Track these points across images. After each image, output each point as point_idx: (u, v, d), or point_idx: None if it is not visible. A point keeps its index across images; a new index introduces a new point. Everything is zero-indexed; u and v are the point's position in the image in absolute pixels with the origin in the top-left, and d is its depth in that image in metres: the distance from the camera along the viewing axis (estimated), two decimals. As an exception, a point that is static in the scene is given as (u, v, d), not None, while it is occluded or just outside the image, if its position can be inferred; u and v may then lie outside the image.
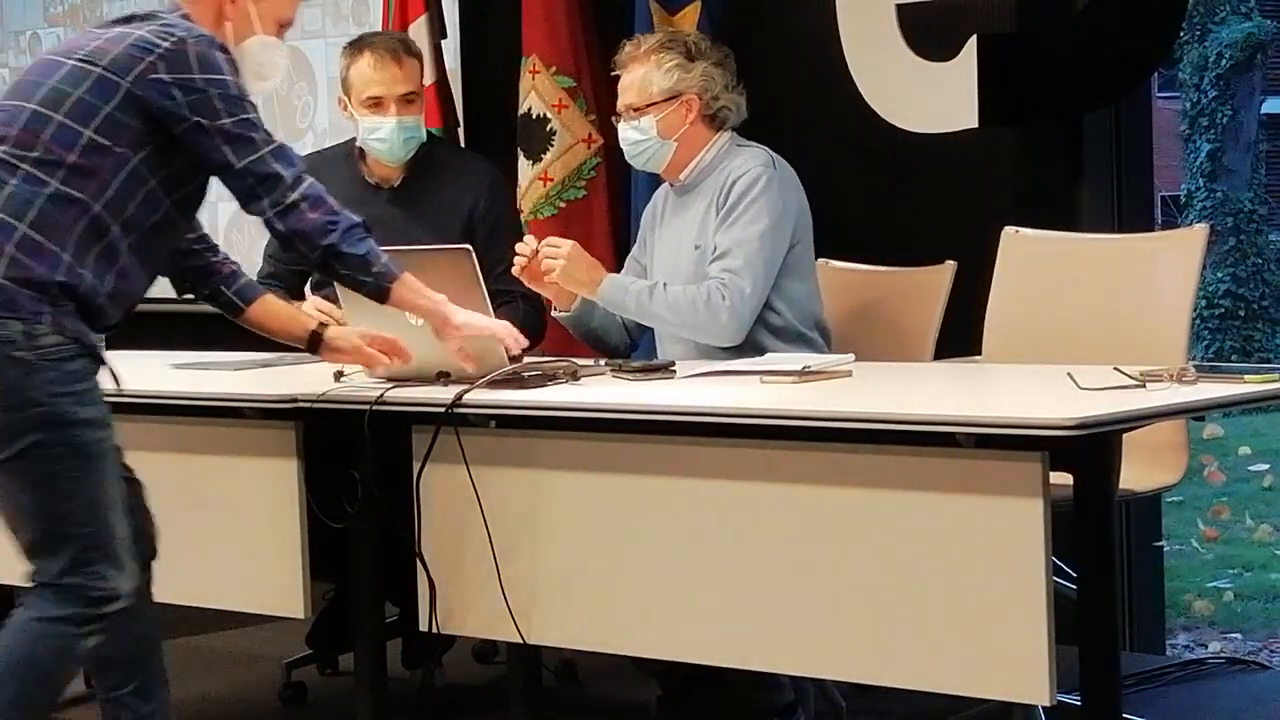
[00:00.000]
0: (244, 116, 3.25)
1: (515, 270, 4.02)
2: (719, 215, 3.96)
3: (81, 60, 3.26)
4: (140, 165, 3.24)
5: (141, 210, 3.25)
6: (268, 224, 3.29)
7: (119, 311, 3.27)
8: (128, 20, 3.33)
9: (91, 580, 3.20)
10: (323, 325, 3.62)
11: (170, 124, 3.23)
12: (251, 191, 3.26)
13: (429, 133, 4.63)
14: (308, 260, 3.35)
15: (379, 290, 3.37)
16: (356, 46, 4.37)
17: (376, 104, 4.31)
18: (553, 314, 4.18)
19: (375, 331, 3.56)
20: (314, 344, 3.59)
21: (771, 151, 4.05)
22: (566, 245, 3.99)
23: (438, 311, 3.45)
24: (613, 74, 4.17)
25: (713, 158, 4.06)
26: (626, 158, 4.15)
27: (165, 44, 3.23)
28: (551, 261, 3.96)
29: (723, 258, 3.92)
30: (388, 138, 4.31)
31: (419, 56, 4.43)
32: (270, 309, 3.62)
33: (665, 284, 3.96)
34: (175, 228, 3.36)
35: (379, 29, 5.30)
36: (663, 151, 4.05)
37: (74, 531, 3.19)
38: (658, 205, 4.22)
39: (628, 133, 4.07)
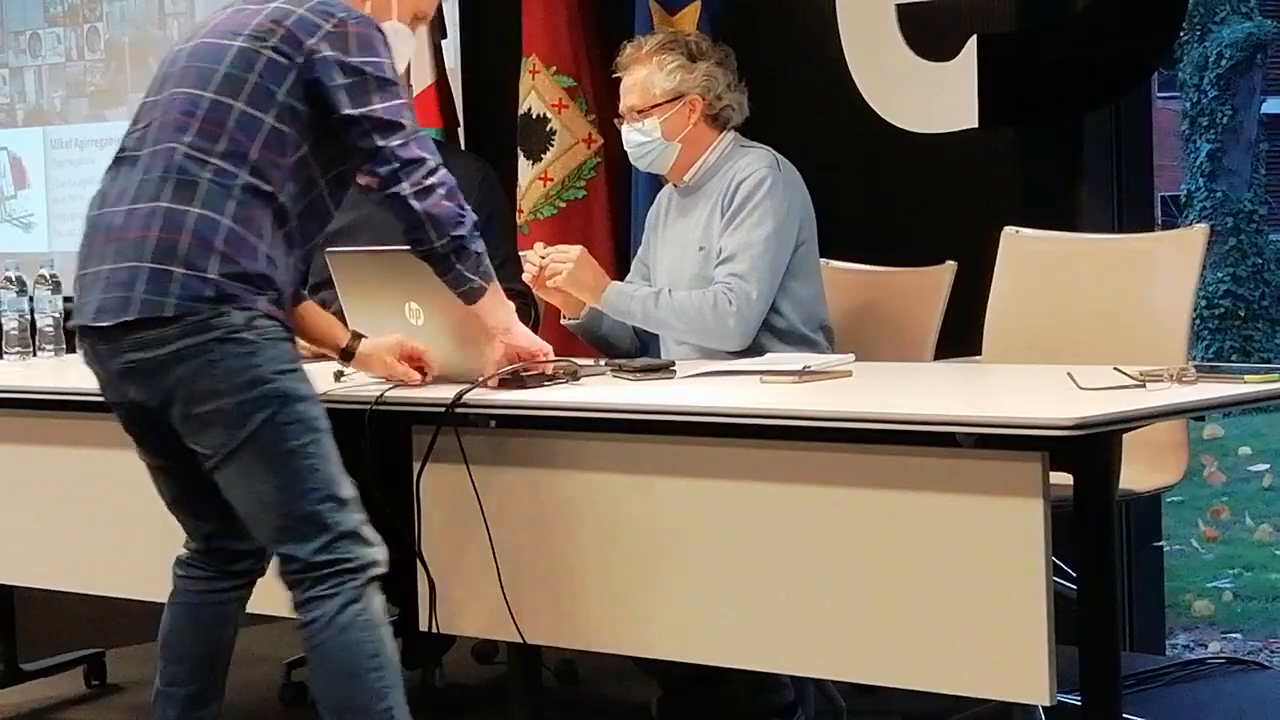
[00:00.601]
0: (396, 102, 3.26)
1: (526, 278, 4.02)
2: (724, 217, 3.96)
3: (247, 41, 3.23)
4: (308, 151, 3.25)
5: (307, 196, 3.27)
6: (403, 203, 3.23)
7: (290, 299, 3.31)
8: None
9: (342, 555, 3.19)
10: (356, 338, 3.60)
11: (330, 106, 3.22)
12: (394, 175, 3.22)
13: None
14: (429, 246, 3.29)
15: (477, 291, 3.36)
16: None
17: None
18: (561, 321, 4.18)
19: (404, 340, 3.56)
20: (346, 356, 3.60)
21: (775, 152, 4.05)
22: (574, 251, 3.99)
23: (505, 321, 3.44)
24: (614, 75, 4.17)
25: (717, 159, 4.06)
26: (631, 159, 4.15)
27: (328, 24, 3.22)
28: (559, 266, 3.97)
29: (728, 262, 3.91)
30: None
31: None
32: (312, 313, 3.62)
33: (671, 290, 3.96)
34: (329, 213, 3.37)
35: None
36: (667, 153, 4.04)
37: (318, 508, 3.18)
38: (661, 206, 4.22)
39: (631, 135, 4.06)
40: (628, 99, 4.08)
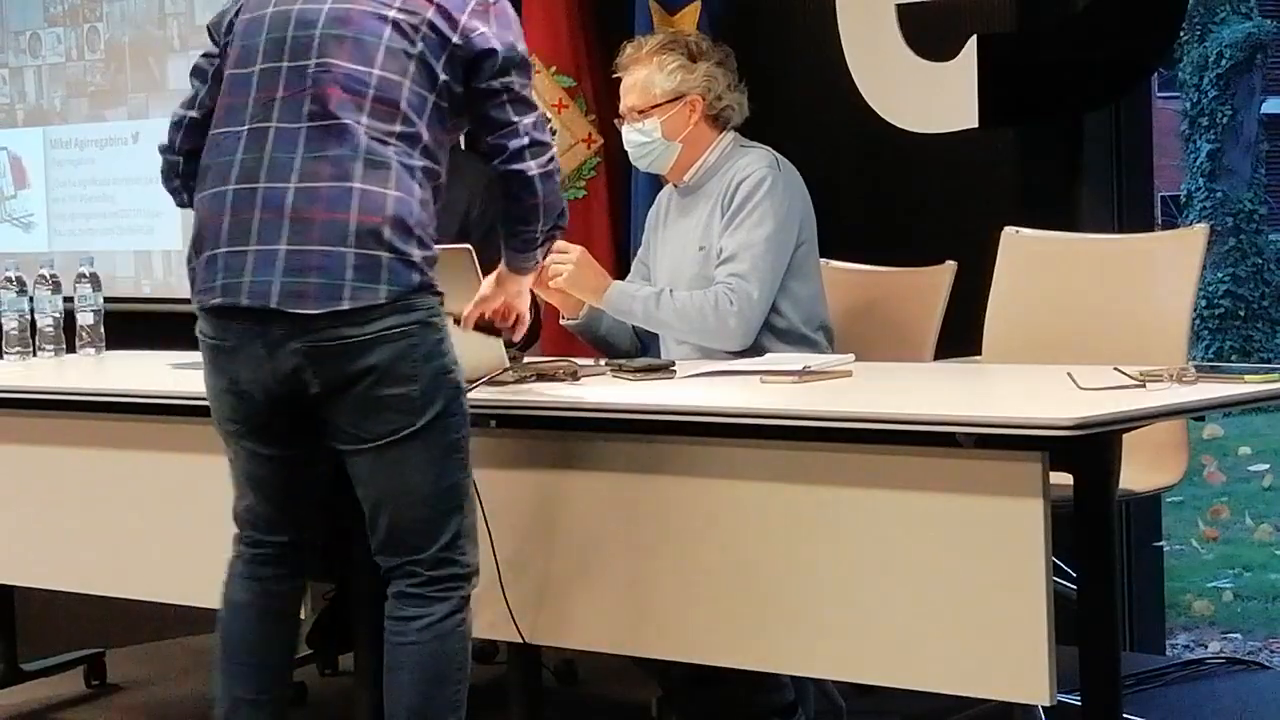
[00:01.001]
0: (528, 80, 3.26)
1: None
2: (724, 217, 3.96)
3: (402, 15, 3.17)
4: (452, 128, 3.27)
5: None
6: (526, 182, 3.21)
7: None
8: None
9: (460, 555, 3.21)
10: None
11: (473, 80, 3.20)
12: (521, 152, 3.20)
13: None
14: (529, 229, 3.28)
15: (530, 269, 3.38)
16: None
17: None
18: (561, 322, 4.18)
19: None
20: None
21: (776, 152, 4.05)
22: (575, 251, 3.99)
23: (524, 286, 3.44)
24: (614, 76, 4.17)
25: (717, 159, 4.06)
26: (631, 160, 4.14)
27: (474, 1, 3.20)
28: (559, 267, 3.97)
29: (729, 262, 3.91)
30: None
31: None
32: None
33: (672, 290, 3.96)
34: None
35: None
36: (668, 153, 4.04)
37: (460, 505, 3.20)
38: (661, 206, 4.22)
39: (632, 135, 4.06)
40: (628, 99, 4.08)
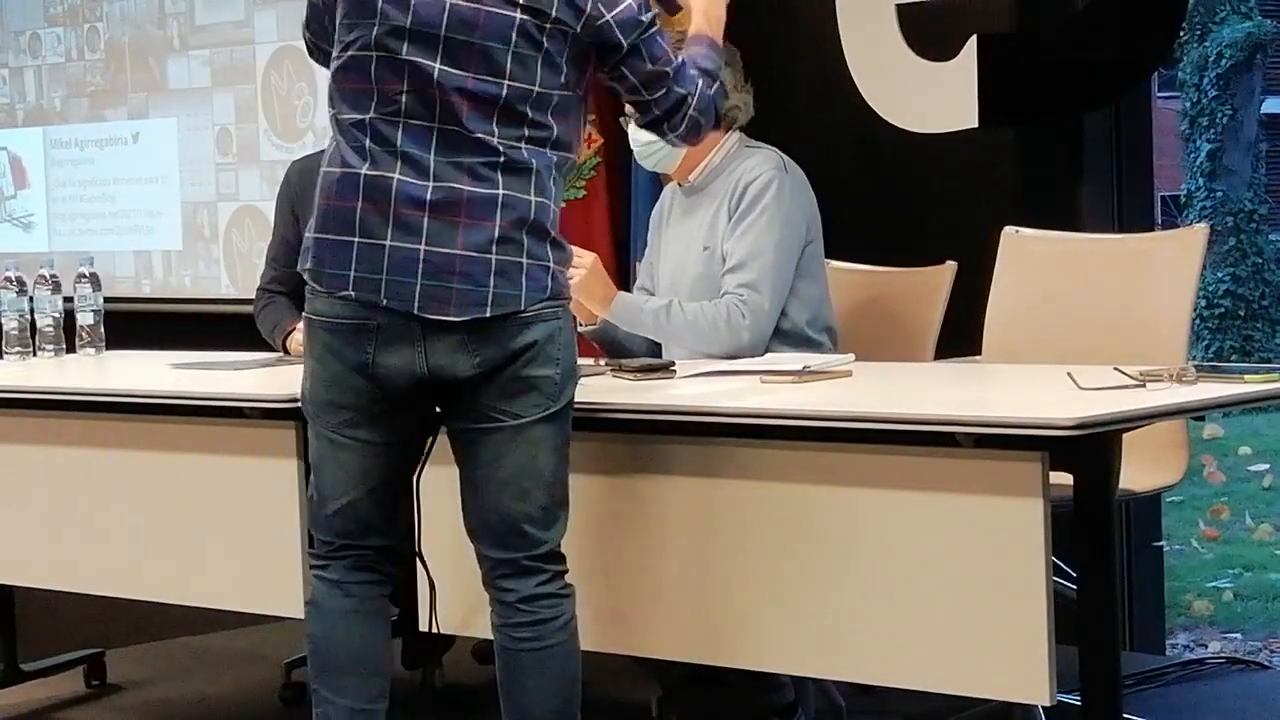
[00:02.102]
0: (666, 44, 3.33)
1: None
2: (731, 218, 3.95)
3: (528, 14, 3.11)
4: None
5: None
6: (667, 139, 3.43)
7: None
8: None
9: (562, 551, 3.21)
10: None
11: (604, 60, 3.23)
12: (657, 122, 3.35)
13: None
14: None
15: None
16: None
17: None
18: (579, 329, 4.17)
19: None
20: None
21: (782, 153, 4.04)
22: (588, 258, 3.96)
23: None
24: None
25: (722, 159, 4.05)
26: (637, 159, 4.12)
27: None
28: (575, 272, 3.95)
29: (738, 270, 3.89)
30: None
31: None
32: None
33: (680, 302, 3.93)
34: None
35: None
36: (675, 152, 4.03)
37: (568, 499, 3.21)
38: (664, 206, 4.21)
39: (639, 134, 4.05)
40: None
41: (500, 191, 3.11)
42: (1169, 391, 3.08)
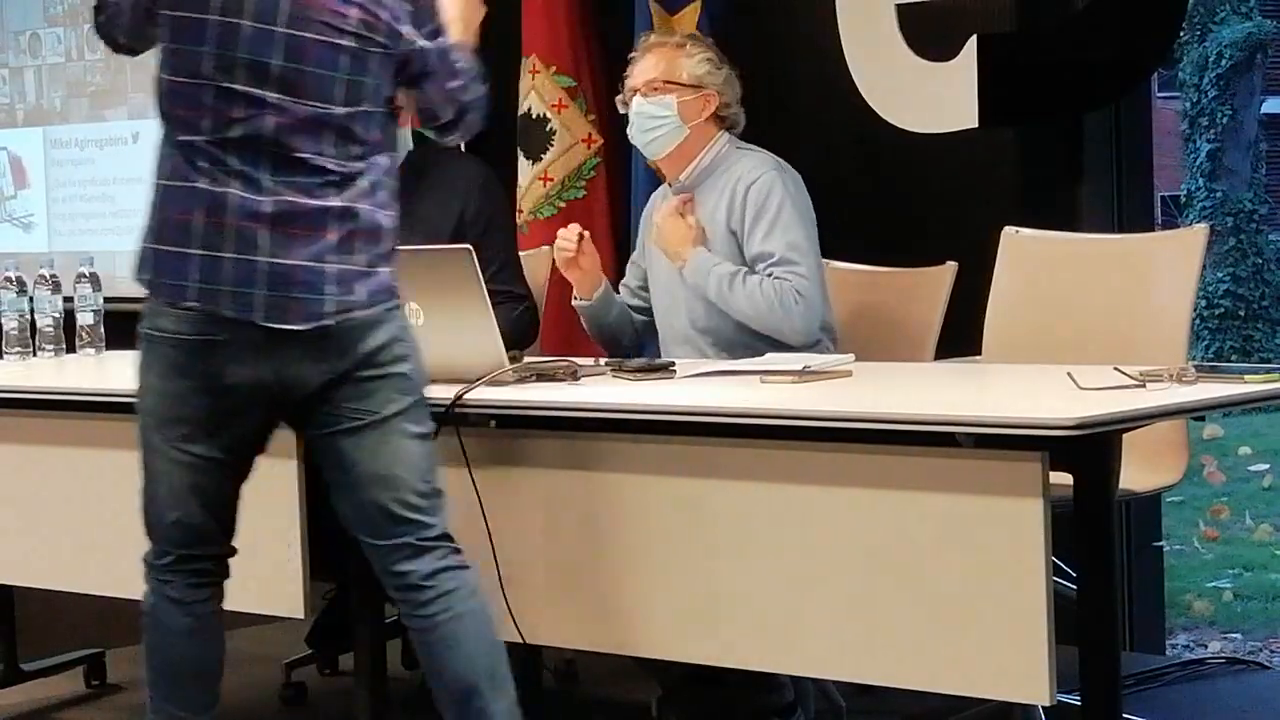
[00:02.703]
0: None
1: (557, 259, 4.05)
2: (747, 222, 3.95)
3: (354, 41, 3.20)
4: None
5: None
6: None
7: None
8: None
9: (449, 532, 3.27)
10: None
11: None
12: (451, 126, 3.41)
13: (422, 134, 4.61)
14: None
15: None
16: None
17: None
18: (572, 302, 4.18)
19: None
20: None
21: (774, 155, 4.05)
22: (572, 232, 4.02)
23: None
24: (629, 57, 4.16)
25: (712, 159, 4.06)
26: (634, 135, 4.10)
27: (410, 4, 3.26)
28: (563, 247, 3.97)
29: (784, 264, 3.91)
30: None
31: None
32: None
33: (746, 273, 3.94)
34: None
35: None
36: (675, 135, 4.04)
37: (440, 486, 3.27)
38: (655, 207, 4.21)
39: (646, 107, 4.04)
40: (651, 73, 4.06)
41: (336, 204, 3.17)
42: (1169, 391, 3.08)
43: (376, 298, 3.19)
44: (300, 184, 3.16)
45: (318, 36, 3.19)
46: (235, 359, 3.16)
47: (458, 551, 3.25)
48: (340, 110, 3.19)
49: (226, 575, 3.36)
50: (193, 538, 3.29)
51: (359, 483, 3.22)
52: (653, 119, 4.04)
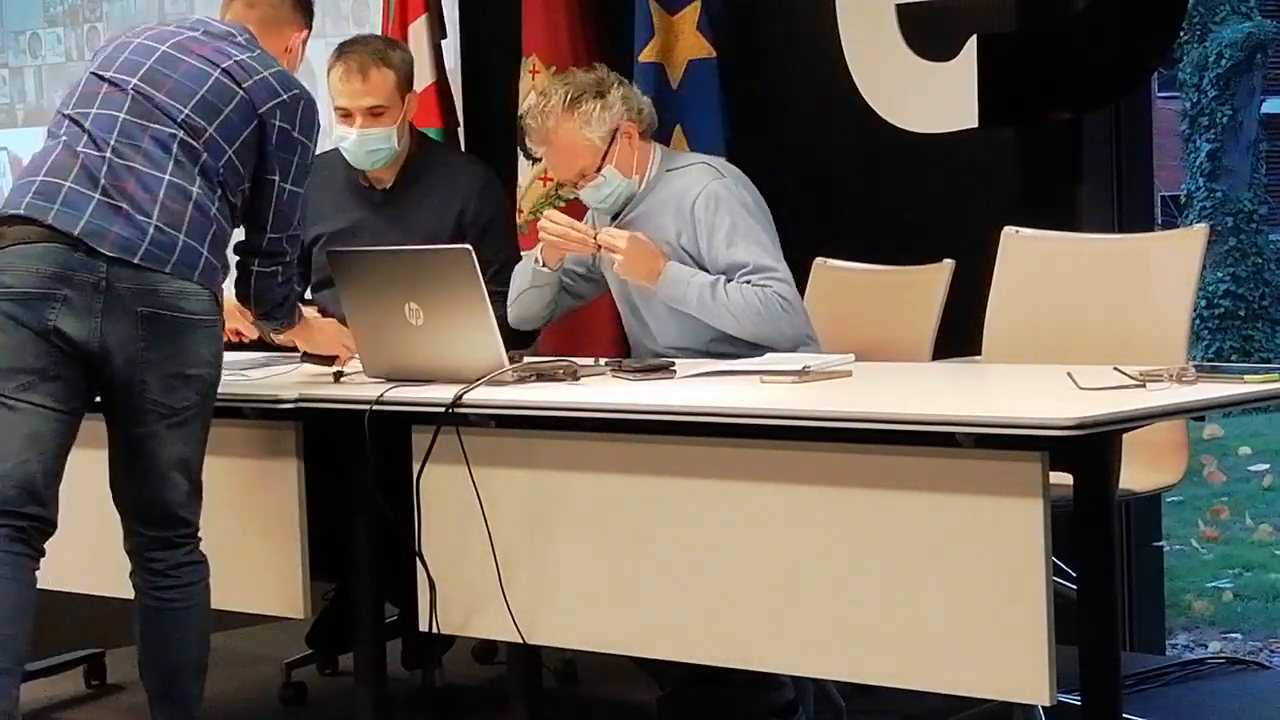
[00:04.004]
0: (299, 191, 3.56)
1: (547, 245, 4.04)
2: (702, 239, 3.93)
3: (225, 74, 3.48)
4: (239, 194, 3.52)
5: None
6: (245, 271, 3.60)
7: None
8: (216, 34, 3.56)
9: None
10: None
11: (261, 169, 3.50)
12: (256, 249, 3.57)
13: (423, 134, 4.61)
14: (250, 308, 3.68)
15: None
16: (337, 53, 4.33)
17: (345, 115, 4.29)
18: (532, 264, 4.13)
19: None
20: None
21: (709, 159, 4.05)
22: (622, 240, 3.95)
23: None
24: (534, 157, 4.18)
25: (655, 172, 4.06)
26: (599, 216, 4.11)
27: (288, 94, 3.50)
28: (611, 242, 3.95)
29: (759, 271, 3.90)
30: (351, 149, 4.30)
31: (398, 67, 4.30)
32: None
33: (725, 282, 3.92)
34: None
35: (378, 30, 5.30)
36: (631, 187, 4.04)
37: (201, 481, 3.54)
38: (594, 223, 4.16)
39: (594, 193, 4.03)
40: (574, 165, 4.02)
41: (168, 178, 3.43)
42: (1169, 391, 3.09)
43: (203, 280, 3.44)
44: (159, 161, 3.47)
45: (186, 59, 3.51)
46: (70, 313, 3.41)
47: (199, 544, 3.54)
48: (186, 112, 3.45)
49: (43, 551, 3.49)
50: (20, 493, 3.45)
51: (145, 476, 3.49)
52: (607, 197, 4.03)
